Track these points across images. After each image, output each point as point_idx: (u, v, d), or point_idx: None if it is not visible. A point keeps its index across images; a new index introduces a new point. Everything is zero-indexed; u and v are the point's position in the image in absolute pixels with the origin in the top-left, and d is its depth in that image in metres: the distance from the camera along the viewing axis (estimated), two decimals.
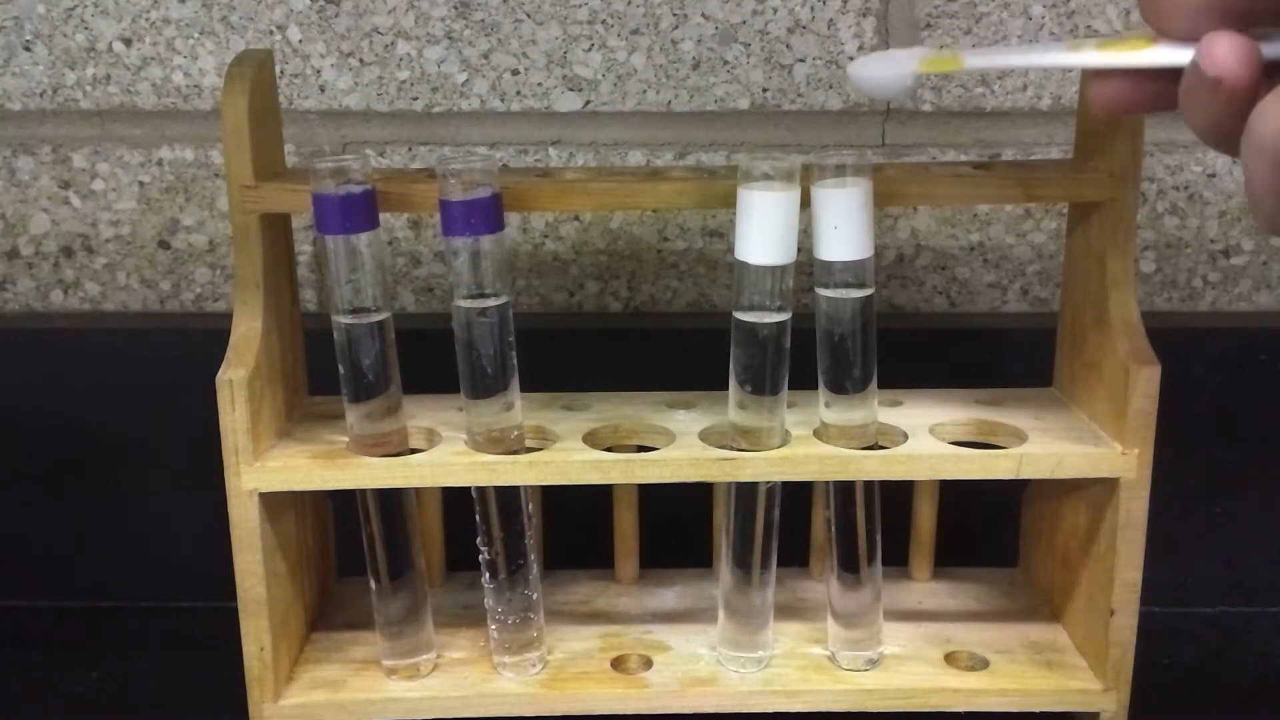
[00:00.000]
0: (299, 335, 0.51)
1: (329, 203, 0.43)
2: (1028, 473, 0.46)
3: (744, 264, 0.43)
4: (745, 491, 0.46)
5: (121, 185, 0.61)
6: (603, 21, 0.58)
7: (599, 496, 0.52)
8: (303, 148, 0.60)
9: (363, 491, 0.46)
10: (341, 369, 0.45)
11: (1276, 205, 0.27)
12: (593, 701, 0.48)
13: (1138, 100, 0.30)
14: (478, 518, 0.47)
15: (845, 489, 0.47)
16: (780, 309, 0.44)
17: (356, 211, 0.43)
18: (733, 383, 0.45)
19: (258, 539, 0.45)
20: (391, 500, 0.47)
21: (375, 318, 0.45)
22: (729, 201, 0.44)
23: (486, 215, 0.43)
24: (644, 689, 0.48)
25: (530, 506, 0.47)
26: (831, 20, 0.58)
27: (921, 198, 0.47)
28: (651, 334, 0.60)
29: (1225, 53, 0.27)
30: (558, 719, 0.48)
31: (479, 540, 0.47)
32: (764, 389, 0.45)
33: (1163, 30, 0.29)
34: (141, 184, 0.61)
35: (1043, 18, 0.58)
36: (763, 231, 0.43)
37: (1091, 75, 0.31)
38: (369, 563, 0.47)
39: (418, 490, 0.48)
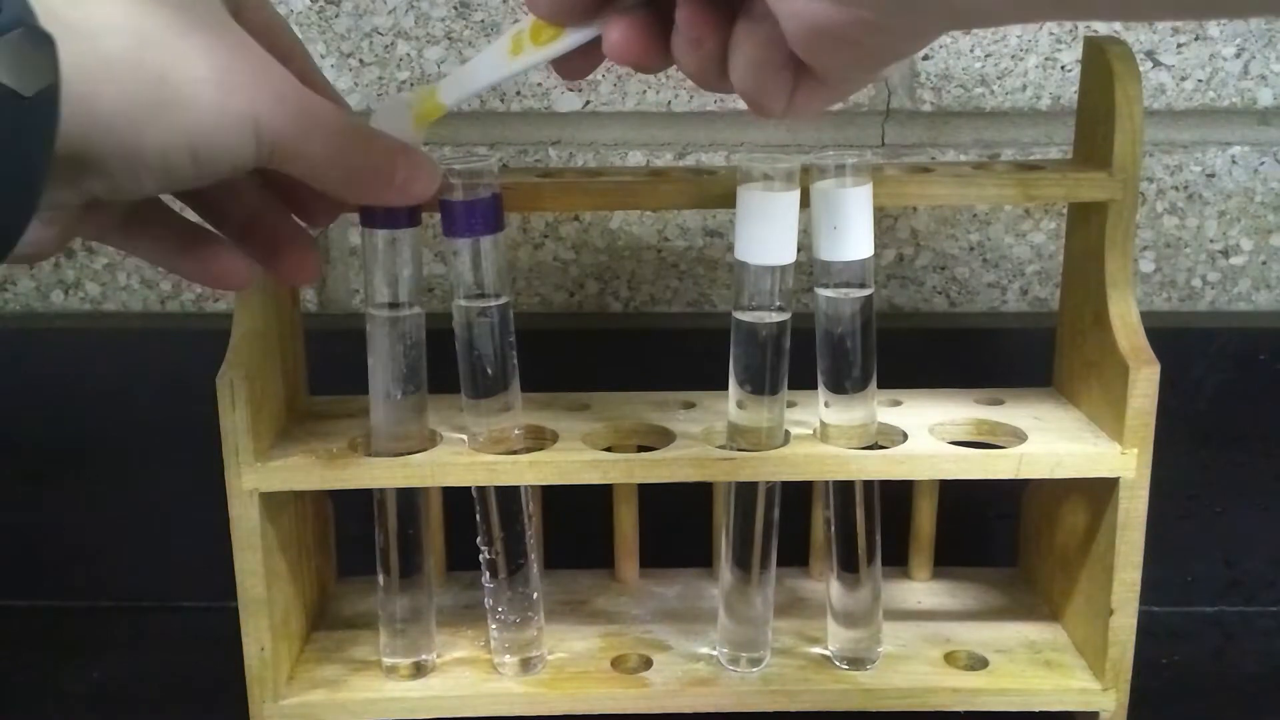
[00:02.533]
0: (299, 335, 0.51)
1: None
2: (1027, 472, 0.46)
3: (744, 264, 0.43)
4: (745, 491, 0.46)
5: None
6: None
7: (599, 496, 0.52)
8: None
9: (381, 489, 0.46)
10: (380, 365, 0.45)
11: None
12: (593, 701, 0.48)
13: (591, 66, 0.36)
14: (478, 517, 0.47)
15: (845, 489, 0.47)
16: (780, 309, 0.44)
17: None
18: (732, 383, 0.45)
19: (258, 539, 0.45)
20: (407, 498, 0.47)
21: (409, 311, 0.45)
22: (729, 201, 0.44)
23: (487, 215, 0.43)
24: (644, 689, 0.48)
25: (530, 506, 0.47)
26: None
27: (921, 198, 0.47)
28: (651, 334, 0.60)
29: (693, 19, 0.32)
30: (558, 719, 0.48)
31: (479, 540, 0.47)
32: (764, 389, 0.45)
33: (557, 20, 0.34)
34: None
35: None
36: (763, 231, 0.43)
37: (554, 64, 0.36)
38: (380, 559, 0.47)
39: None
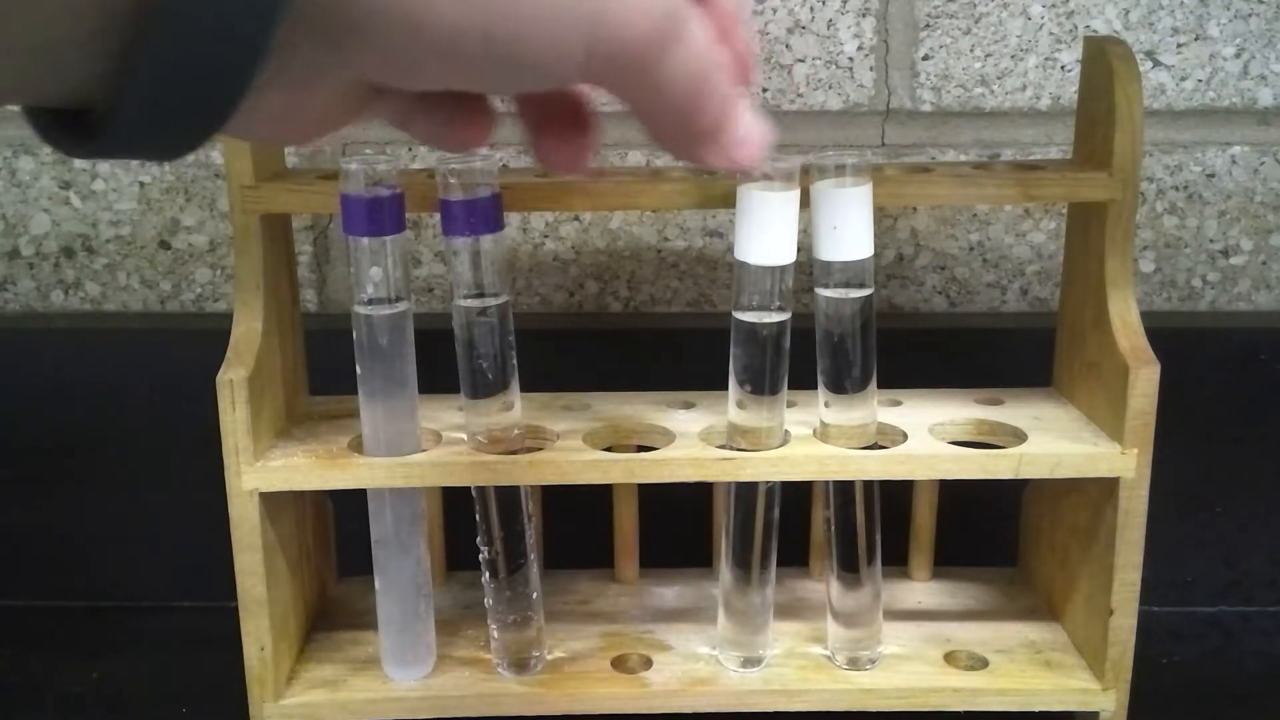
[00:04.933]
0: (299, 335, 0.51)
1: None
2: (1027, 472, 0.46)
3: (744, 264, 0.43)
4: (745, 491, 0.46)
5: (122, 186, 0.61)
6: None
7: (599, 496, 0.52)
8: (303, 148, 0.60)
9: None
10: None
11: None
12: (593, 701, 0.48)
13: None
14: (478, 517, 0.47)
15: (845, 489, 0.47)
16: (780, 309, 0.44)
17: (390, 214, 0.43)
18: (732, 382, 0.45)
19: (258, 539, 0.45)
20: (403, 497, 0.47)
21: (399, 307, 0.45)
22: (729, 201, 0.44)
23: (487, 215, 0.43)
24: (644, 689, 0.48)
25: (530, 506, 0.47)
26: (831, 20, 0.58)
27: (921, 198, 0.47)
28: (651, 334, 0.60)
29: None
30: (558, 719, 0.48)
31: (479, 539, 0.47)
32: (764, 389, 0.45)
33: None
34: (142, 184, 0.61)
35: (1042, 18, 0.58)
36: (763, 231, 0.43)
37: None
38: (376, 560, 0.47)
39: None
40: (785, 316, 0.44)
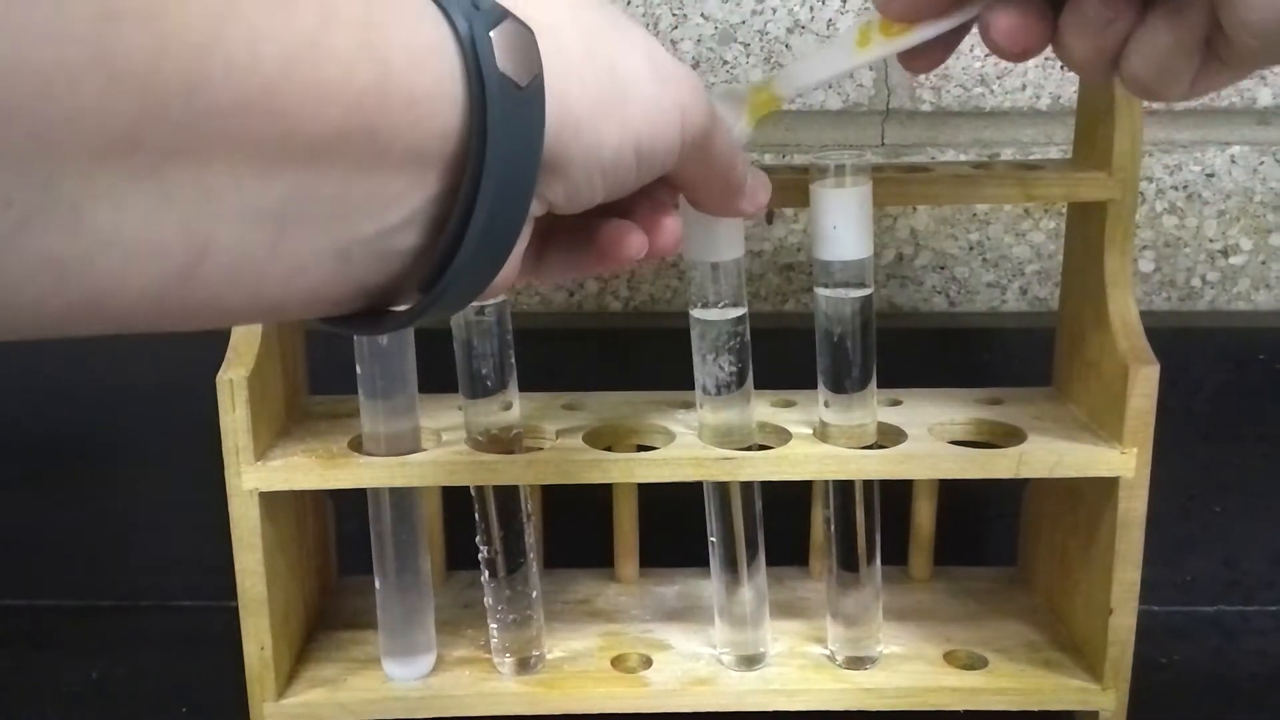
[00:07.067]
0: (299, 335, 0.51)
1: None
2: (1027, 472, 0.46)
3: (694, 262, 0.44)
4: (721, 490, 0.46)
5: None
6: None
7: (599, 496, 0.52)
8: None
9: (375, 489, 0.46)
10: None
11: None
12: (592, 701, 0.48)
13: (944, 57, 0.35)
14: (477, 516, 0.47)
15: (845, 489, 0.47)
16: (736, 304, 0.44)
17: None
18: (699, 382, 0.45)
19: (258, 538, 0.45)
20: (402, 497, 0.47)
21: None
22: None
23: None
24: (644, 688, 0.48)
25: (529, 505, 0.47)
26: (831, 20, 0.58)
27: (921, 198, 0.47)
28: (651, 334, 0.60)
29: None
30: (558, 718, 0.48)
31: (478, 539, 0.47)
32: (730, 386, 0.45)
33: (912, 18, 0.34)
34: None
35: None
36: (707, 227, 0.43)
37: (900, 56, 0.35)
38: (375, 560, 0.47)
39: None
40: (742, 311, 0.44)
